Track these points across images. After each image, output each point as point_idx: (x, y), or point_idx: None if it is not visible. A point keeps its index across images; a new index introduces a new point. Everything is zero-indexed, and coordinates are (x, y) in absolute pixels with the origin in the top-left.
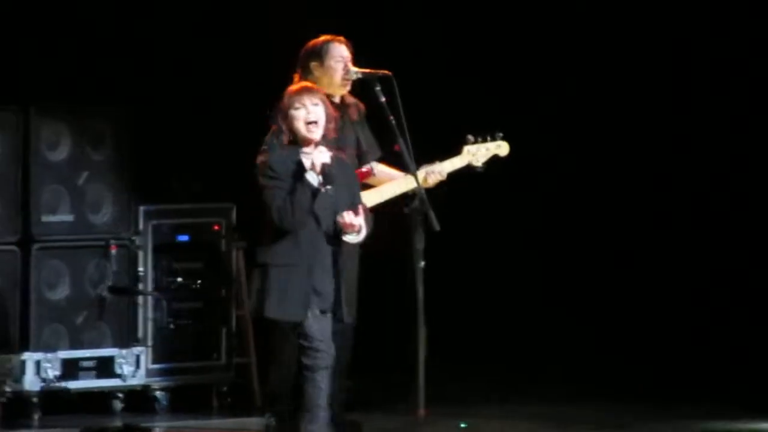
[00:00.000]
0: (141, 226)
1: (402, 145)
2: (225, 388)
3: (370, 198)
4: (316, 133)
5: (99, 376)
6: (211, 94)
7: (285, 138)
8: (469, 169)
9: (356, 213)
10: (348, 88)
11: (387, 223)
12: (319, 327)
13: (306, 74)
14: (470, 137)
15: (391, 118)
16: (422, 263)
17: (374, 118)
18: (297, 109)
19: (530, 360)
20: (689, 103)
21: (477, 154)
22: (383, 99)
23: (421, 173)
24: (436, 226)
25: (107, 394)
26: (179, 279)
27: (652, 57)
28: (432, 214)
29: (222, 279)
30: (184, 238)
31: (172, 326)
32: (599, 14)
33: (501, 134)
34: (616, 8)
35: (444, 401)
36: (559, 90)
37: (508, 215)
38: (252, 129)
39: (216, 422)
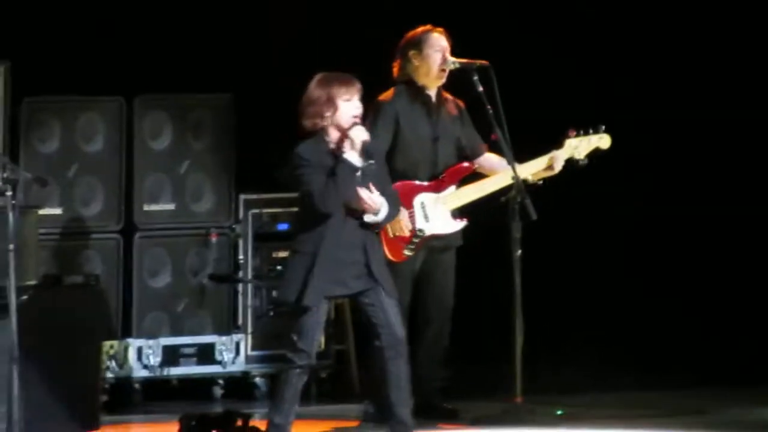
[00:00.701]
0: (241, 214)
1: (500, 135)
2: (324, 375)
3: (471, 193)
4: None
5: (199, 363)
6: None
7: (311, 125)
8: (570, 162)
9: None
10: (444, 78)
11: (485, 213)
12: (312, 323)
13: (405, 63)
14: (572, 131)
15: (489, 107)
16: (519, 252)
17: (472, 109)
18: (347, 100)
19: (620, 347)
20: None
21: (579, 147)
22: (481, 89)
23: (545, 160)
24: (533, 215)
25: (207, 381)
26: (279, 267)
27: None
28: (529, 203)
29: None
30: (283, 226)
31: (271, 314)
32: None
33: (603, 126)
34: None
35: (541, 389)
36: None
37: (602, 206)
38: None
39: (315, 409)
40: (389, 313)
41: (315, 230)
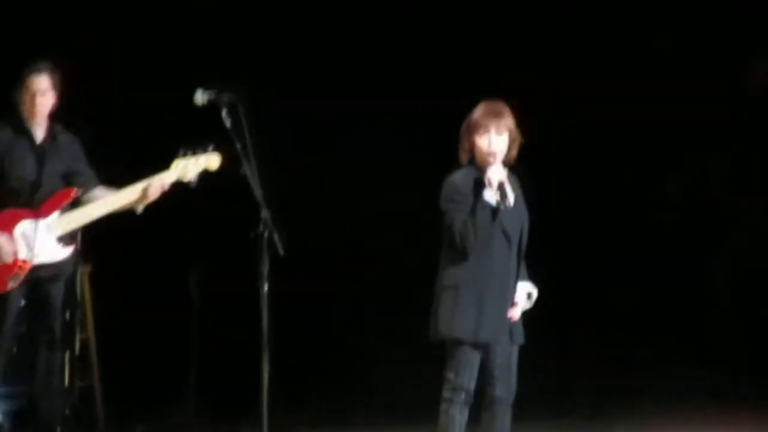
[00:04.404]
0: None
1: (247, 169)
2: (67, 412)
3: (99, 209)
4: (493, 162)
5: None
6: None
7: (465, 156)
8: (181, 184)
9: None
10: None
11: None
12: (468, 360)
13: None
14: (181, 150)
15: (237, 142)
16: (266, 287)
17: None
18: (481, 135)
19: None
20: None
21: (187, 168)
22: (229, 124)
23: (141, 186)
24: (281, 251)
25: None
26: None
27: None
28: (277, 239)
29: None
30: None
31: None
32: None
33: (212, 146)
34: None
35: (288, 424)
36: None
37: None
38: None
39: None
40: (513, 364)
41: (474, 262)
